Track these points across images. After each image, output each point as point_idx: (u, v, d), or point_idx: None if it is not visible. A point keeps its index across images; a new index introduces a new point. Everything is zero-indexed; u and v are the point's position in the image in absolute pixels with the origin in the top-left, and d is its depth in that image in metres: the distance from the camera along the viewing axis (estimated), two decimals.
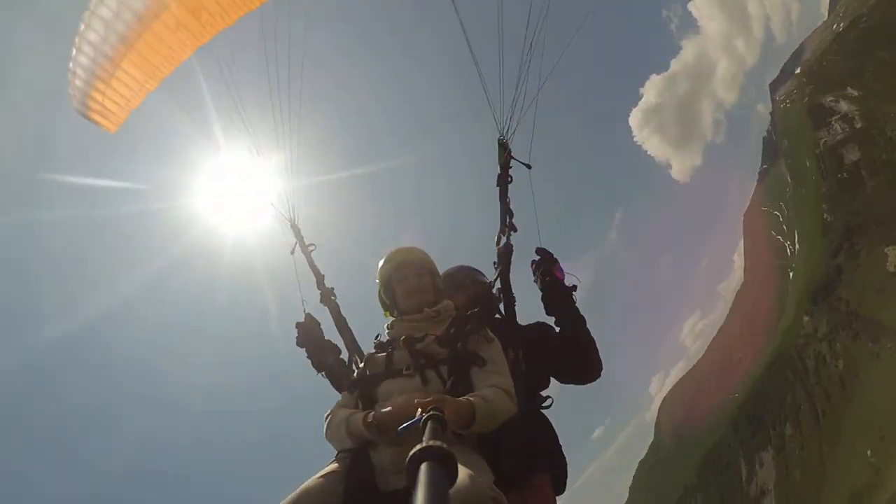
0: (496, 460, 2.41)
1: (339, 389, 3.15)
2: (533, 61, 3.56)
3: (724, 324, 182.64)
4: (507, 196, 3.44)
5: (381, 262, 3.24)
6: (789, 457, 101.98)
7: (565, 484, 3.02)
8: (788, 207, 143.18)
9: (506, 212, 3.42)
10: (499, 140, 3.53)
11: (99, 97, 4.23)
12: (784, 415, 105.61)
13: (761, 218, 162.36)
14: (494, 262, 3.44)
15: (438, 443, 1.17)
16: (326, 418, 2.76)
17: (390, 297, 3.17)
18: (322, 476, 2.41)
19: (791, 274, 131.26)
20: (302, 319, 3.56)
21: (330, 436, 2.70)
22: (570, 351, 3.21)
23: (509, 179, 3.49)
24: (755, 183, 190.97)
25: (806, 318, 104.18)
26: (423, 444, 1.16)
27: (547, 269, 3.32)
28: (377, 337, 3.12)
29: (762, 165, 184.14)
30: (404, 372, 2.72)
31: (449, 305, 3.11)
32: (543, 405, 3.22)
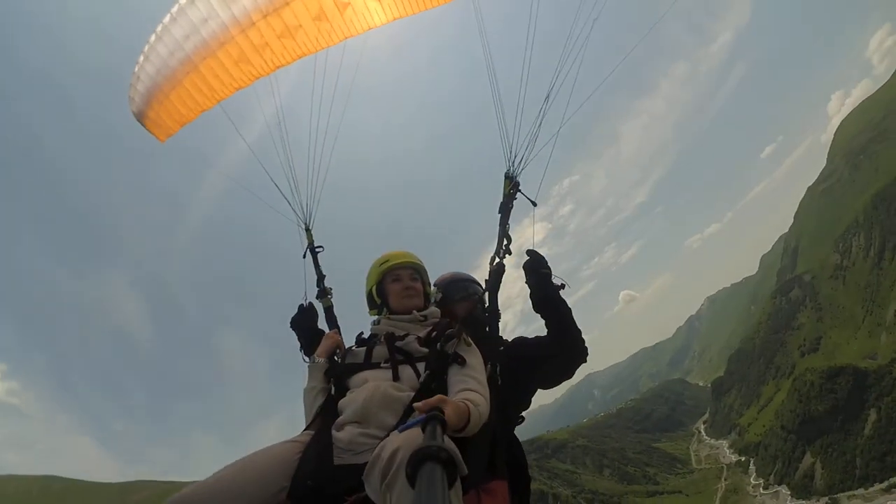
0: None
1: None
2: (550, 111, 3.73)
3: None
4: (507, 222, 3.59)
5: (375, 262, 3.39)
6: None
7: (528, 499, 3.04)
8: None
9: (503, 236, 3.57)
10: (506, 173, 3.71)
11: (157, 107, 4.45)
12: None
13: None
14: (486, 280, 3.59)
15: (439, 443, 1.21)
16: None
17: (381, 297, 3.30)
18: (289, 441, 2.59)
19: None
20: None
21: (305, 410, 2.98)
22: (555, 347, 3.32)
23: (511, 207, 3.64)
24: None
25: None
26: (424, 444, 1.21)
27: (535, 268, 3.42)
28: (360, 334, 3.23)
29: None
30: (382, 365, 2.82)
31: (436, 312, 3.24)
32: (514, 422, 3.31)
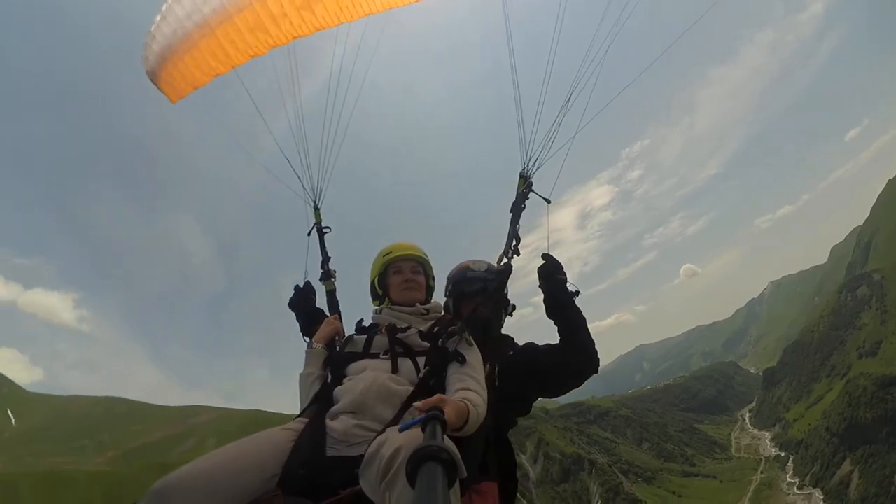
0: None
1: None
2: (568, 116, 3.62)
3: None
4: (517, 222, 3.54)
5: (379, 253, 3.36)
6: None
7: (514, 501, 3.01)
8: None
9: (513, 236, 3.52)
10: (521, 172, 3.65)
11: (171, 68, 4.39)
12: None
13: None
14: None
15: (440, 443, 1.22)
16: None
17: (383, 288, 3.27)
18: (283, 428, 2.55)
19: None
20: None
21: (300, 396, 2.93)
22: (566, 355, 3.27)
23: (523, 207, 3.58)
24: None
25: None
26: (425, 444, 1.22)
27: (551, 273, 3.41)
28: (360, 321, 3.21)
29: None
30: (381, 356, 2.80)
31: (438, 306, 3.23)
32: (506, 425, 3.28)
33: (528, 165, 3.68)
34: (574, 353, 3.29)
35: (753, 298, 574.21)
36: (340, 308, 3.70)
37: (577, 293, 3.39)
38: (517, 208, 3.60)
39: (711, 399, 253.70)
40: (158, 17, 4.29)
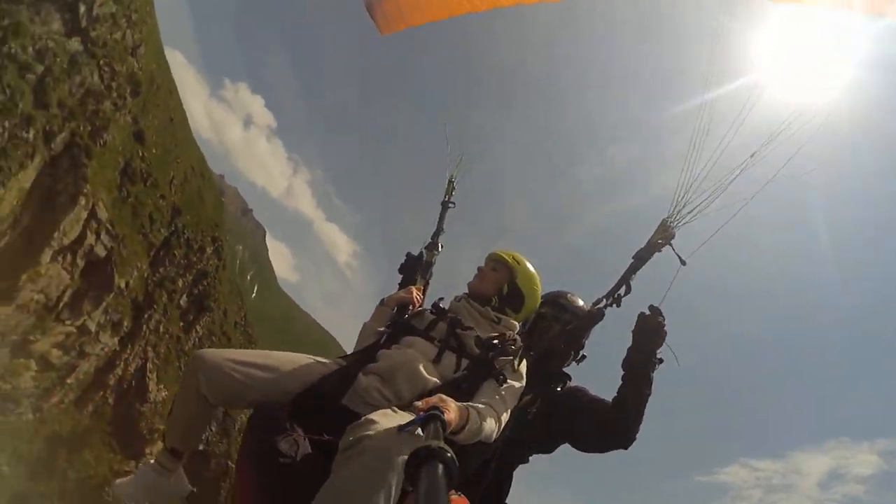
0: None
1: None
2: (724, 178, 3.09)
3: None
4: (635, 273, 3.20)
5: None
6: None
7: None
8: None
9: (624, 283, 3.17)
10: (664, 220, 3.23)
11: (389, 1, 4.56)
12: None
13: None
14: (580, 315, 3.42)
15: (439, 443, 1.20)
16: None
17: None
18: (320, 361, 2.69)
19: None
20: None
21: (357, 342, 3.07)
22: (607, 423, 3.19)
23: (648, 258, 3.22)
24: None
25: None
26: (425, 444, 1.21)
27: (647, 334, 3.17)
28: (439, 300, 3.20)
29: None
30: (435, 342, 2.82)
31: (511, 324, 3.11)
32: (515, 459, 3.24)
33: (676, 212, 3.24)
34: (614, 423, 3.21)
35: None
36: (431, 281, 3.73)
37: (660, 362, 3.21)
38: (642, 258, 3.26)
39: None
40: None
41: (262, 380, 2.45)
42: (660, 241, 3.21)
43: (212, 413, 2.75)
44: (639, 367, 3.18)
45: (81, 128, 35.19)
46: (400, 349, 2.77)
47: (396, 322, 3.06)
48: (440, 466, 1.13)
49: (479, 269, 3.23)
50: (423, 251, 3.78)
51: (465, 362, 2.75)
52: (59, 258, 34.91)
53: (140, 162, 42.34)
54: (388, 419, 2.04)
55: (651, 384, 3.18)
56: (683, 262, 3.18)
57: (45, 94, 32.65)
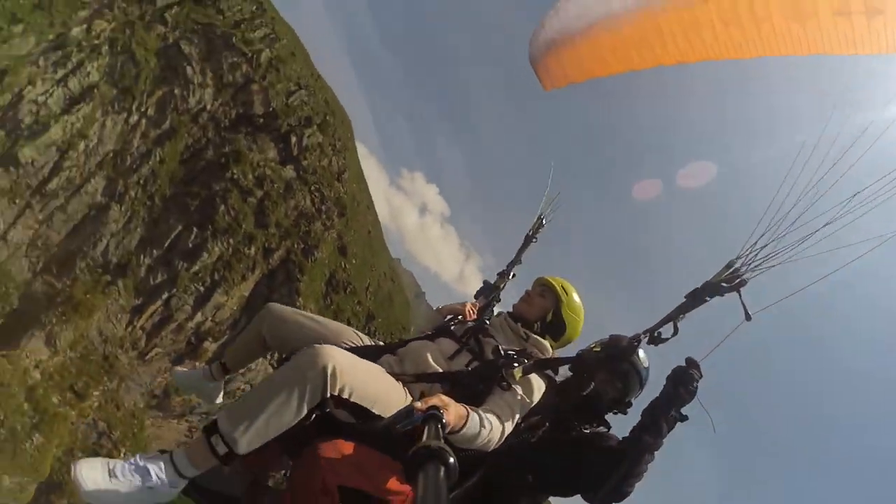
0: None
1: None
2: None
3: None
4: (684, 314, 2.80)
5: None
6: None
7: None
8: None
9: (671, 320, 2.80)
10: (731, 261, 2.78)
11: (552, 60, 4.55)
12: None
13: None
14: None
15: (440, 444, 1.22)
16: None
17: None
18: (359, 335, 2.99)
19: None
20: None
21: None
22: (591, 471, 2.83)
23: (707, 300, 2.77)
24: None
25: None
26: (424, 443, 1.23)
27: (678, 384, 2.74)
28: (498, 315, 3.42)
29: None
30: (458, 343, 2.97)
31: (539, 343, 3.09)
32: (498, 483, 2.85)
33: (749, 255, 2.78)
34: (599, 476, 2.80)
35: None
36: (494, 306, 3.87)
37: (683, 419, 2.80)
38: (698, 297, 2.79)
39: None
40: (552, 11, 4.48)
41: (309, 337, 2.74)
42: (724, 285, 2.75)
43: (262, 352, 3.16)
44: (659, 417, 2.81)
45: (295, 245, 39.41)
46: (423, 342, 2.98)
47: (440, 325, 3.29)
48: (441, 468, 1.14)
49: (527, 292, 3.33)
50: (497, 275, 4.12)
51: (478, 366, 2.82)
52: (268, 356, 37.94)
53: (342, 273, 46.10)
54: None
55: (659, 436, 2.78)
56: (749, 317, 2.73)
57: (265, 215, 37.39)
